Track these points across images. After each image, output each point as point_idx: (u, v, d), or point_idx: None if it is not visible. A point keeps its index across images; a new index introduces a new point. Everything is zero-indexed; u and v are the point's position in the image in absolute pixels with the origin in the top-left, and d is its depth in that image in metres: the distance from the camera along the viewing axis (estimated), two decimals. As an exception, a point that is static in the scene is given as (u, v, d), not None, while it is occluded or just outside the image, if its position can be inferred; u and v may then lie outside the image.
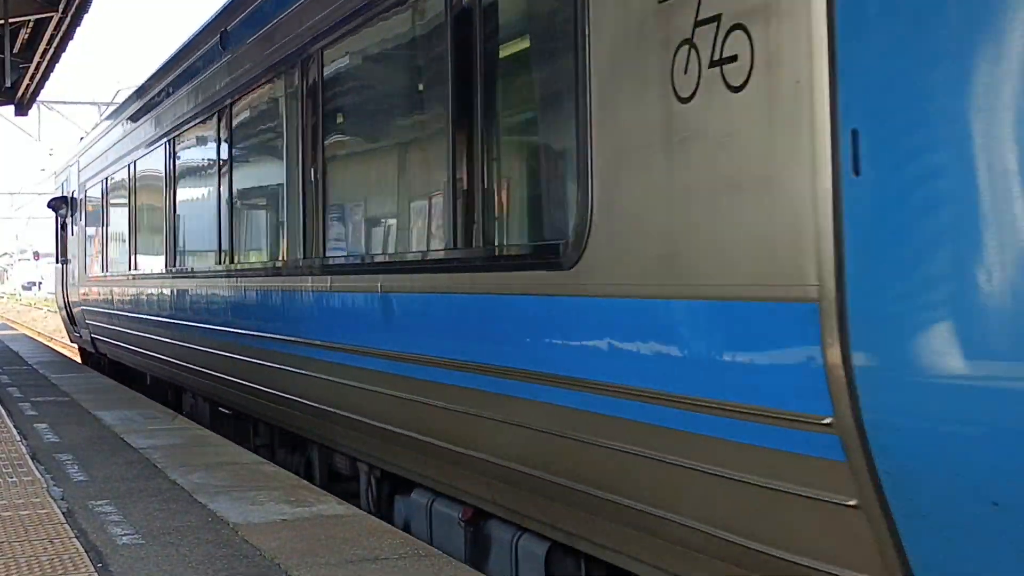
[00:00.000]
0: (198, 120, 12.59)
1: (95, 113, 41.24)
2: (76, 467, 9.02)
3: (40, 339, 34.07)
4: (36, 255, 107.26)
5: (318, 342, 8.46)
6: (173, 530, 6.79)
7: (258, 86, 10.46)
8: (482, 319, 6.11)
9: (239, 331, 10.65)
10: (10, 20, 14.21)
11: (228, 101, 11.25)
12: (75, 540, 6.48)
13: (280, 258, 9.89)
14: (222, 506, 7.47)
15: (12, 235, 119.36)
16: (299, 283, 9.05)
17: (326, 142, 8.73)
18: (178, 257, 13.82)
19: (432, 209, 7.15)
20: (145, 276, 15.55)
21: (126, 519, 7.09)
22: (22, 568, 5.88)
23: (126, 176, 16.98)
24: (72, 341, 25.43)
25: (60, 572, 5.82)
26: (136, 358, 16.82)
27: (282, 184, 9.93)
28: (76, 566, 5.93)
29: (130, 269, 16.66)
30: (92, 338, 20.85)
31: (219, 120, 11.63)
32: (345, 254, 8.53)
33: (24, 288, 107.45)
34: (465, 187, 6.41)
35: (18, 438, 10.42)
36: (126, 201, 17.08)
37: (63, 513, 7.21)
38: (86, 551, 6.23)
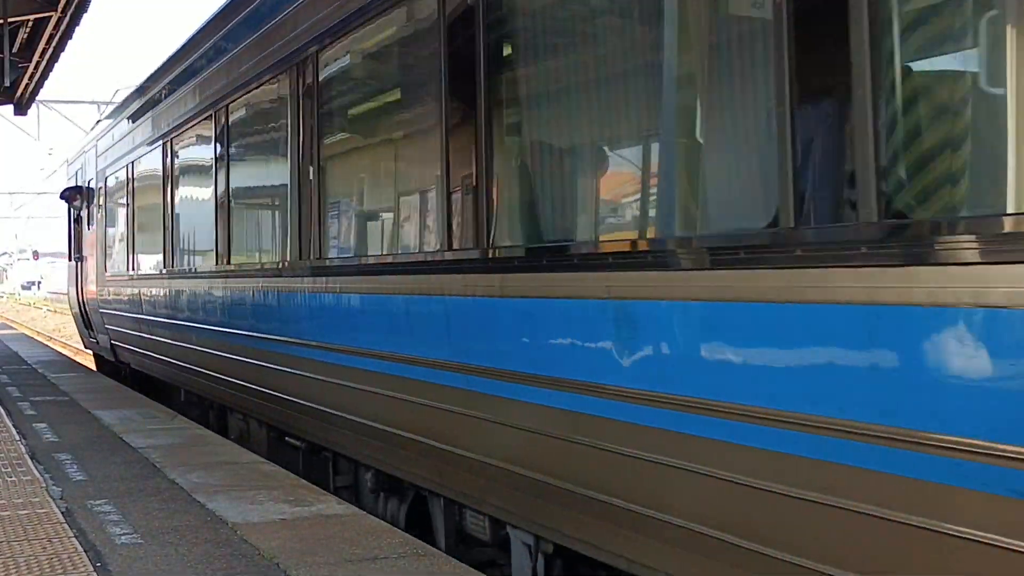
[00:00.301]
0: (265, 79, 9.76)
1: (95, 112, 41.29)
2: (75, 467, 9.02)
3: (39, 339, 34.07)
4: (35, 254, 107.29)
5: (483, 369, 5.99)
6: (172, 529, 6.79)
7: (369, 20, 7.55)
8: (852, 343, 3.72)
9: (327, 346, 8.27)
10: (9, 19, 14.20)
11: (315, 48, 8.45)
12: (74, 539, 6.48)
13: (411, 251, 7.22)
14: (221, 505, 7.47)
15: (11, 234, 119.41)
16: (443, 285, 6.40)
17: (517, 77, 6.01)
18: (236, 253, 11.11)
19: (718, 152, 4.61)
20: (186, 275, 12.92)
21: (125, 519, 7.09)
22: (21, 568, 5.88)
23: (159, 159, 14.25)
24: (87, 347, 22.72)
25: (59, 571, 5.82)
26: (169, 371, 14.16)
27: (411, 147, 7.54)
28: (75, 565, 5.93)
29: (165, 267, 13.92)
30: (112, 345, 18.15)
31: (298, 75, 8.84)
32: (535, 244, 5.78)
33: (23, 288, 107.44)
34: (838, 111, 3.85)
35: (17, 437, 10.42)
36: (159, 188, 14.31)
37: (62, 512, 7.21)
38: (85, 551, 6.23)
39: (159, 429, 11.24)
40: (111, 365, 19.26)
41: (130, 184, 16.39)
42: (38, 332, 39.86)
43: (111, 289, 17.81)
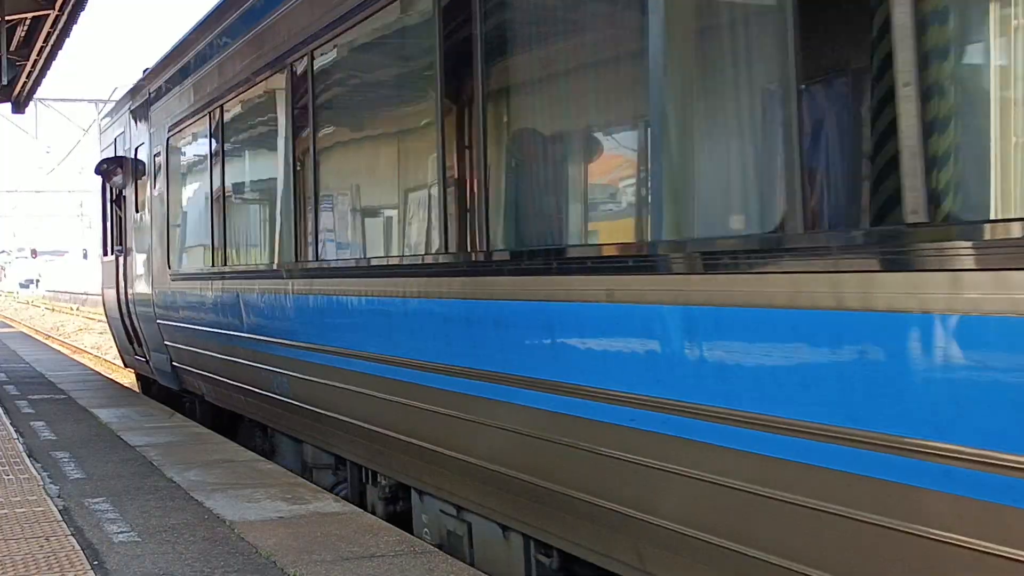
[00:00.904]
0: None
1: (92, 111, 41.39)
2: (72, 465, 9.01)
3: (38, 337, 34.07)
4: (34, 252, 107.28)
5: None
6: (169, 528, 6.79)
7: None
8: None
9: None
10: (7, 17, 14.20)
11: None
12: (71, 538, 6.47)
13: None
14: (218, 504, 7.47)
15: (10, 233, 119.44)
16: None
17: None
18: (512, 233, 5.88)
19: None
20: (353, 273, 7.63)
21: (122, 517, 7.09)
22: (18, 566, 5.87)
23: (282, 92, 8.80)
24: (128, 365, 17.40)
25: (56, 570, 5.82)
26: (295, 419, 9.12)
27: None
28: (72, 564, 5.92)
29: (302, 260, 8.44)
30: (175, 367, 12.96)
31: None
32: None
33: (21, 286, 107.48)
34: None
35: (15, 436, 10.41)
36: (281, 138, 8.93)
37: (59, 511, 7.20)
38: (82, 549, 6.23)
39: (157, 427, 11.24)
40: (169, 394, 14.12)
41: (218, 139, 10.79)
42: (36, 330, 39.85)
43: (180, 292, 12.34)
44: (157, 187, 13.56)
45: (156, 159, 13.59)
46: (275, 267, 9.20)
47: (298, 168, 8.69)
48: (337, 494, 8.33)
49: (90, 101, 41.87)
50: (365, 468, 8.24)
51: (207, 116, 11.10)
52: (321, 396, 8.31)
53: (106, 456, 9.43)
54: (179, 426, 11.44)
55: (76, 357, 24.96)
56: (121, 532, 6.68)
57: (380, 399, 7.25)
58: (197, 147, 11.86)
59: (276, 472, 8.74)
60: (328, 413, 8.27)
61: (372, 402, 7.39)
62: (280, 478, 8.45)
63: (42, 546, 6.28)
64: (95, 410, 12.59)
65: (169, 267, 12.81)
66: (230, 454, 9.61)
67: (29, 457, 9.25)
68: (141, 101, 14.41)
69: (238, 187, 10.68)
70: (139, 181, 14.60)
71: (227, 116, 10.60)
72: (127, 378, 21.76)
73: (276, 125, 9.26)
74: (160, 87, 13.35)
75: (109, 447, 9.93)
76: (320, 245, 8.30)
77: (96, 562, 5.99)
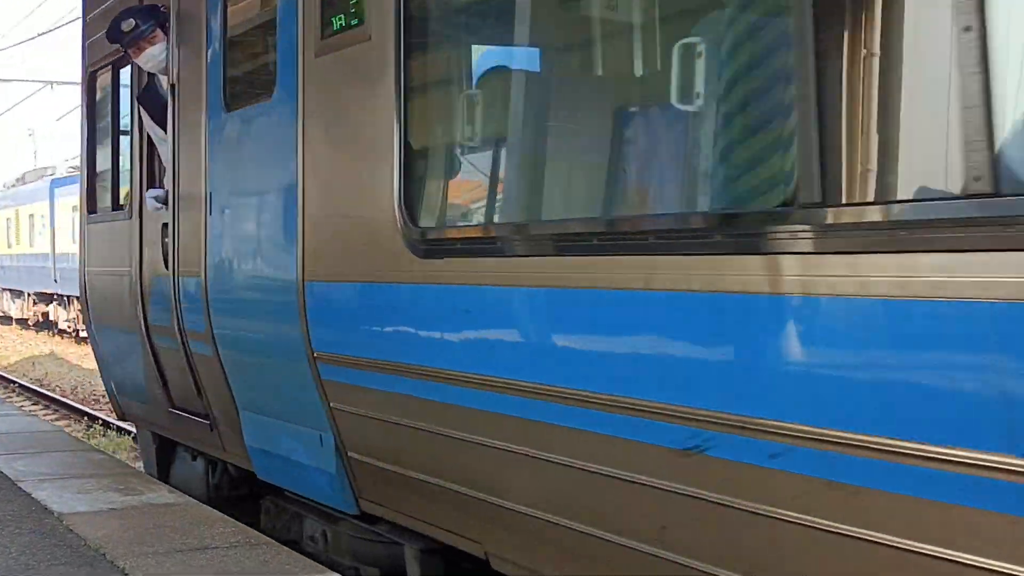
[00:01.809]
0: None
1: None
2: None
3: None
4: None
5: None
6: (-7, 520, 6.57)
7: None
8: None
9: None
10: None
11: None
12: None
13: None
14: (47, 495, 7.25)
15: None
16: None
17: None
18: None
19: None
20: None
21: (-57, 508, 6.84)
22: None
23: None
24: (130, 418, 9.26)
25: None
26: None
27: None
28: None
29: None
30: (353, 463, 5.63)
31: None
32: None
33: None
34: None
35: None
36: None
37: None
38: (-102, 542, 5.99)
39: (-16, 416, 10.88)
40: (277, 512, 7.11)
41: None
42: None
43: (483, 288, 4.48)
44: (347, 50, 5.37)
45: None
46: None
47: None
48: None
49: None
50: None
51: None
52: None
53: (-72, 446, 9.09)
54: (6, 415, 11.10)
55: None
56: (-59, 524, 6.45)
57: None
58: None
59: (109, 463, 8.53)
60: None
61: None
62: (112, 468, 8.25)
63: None
64: (-82, 398, 12.13)
65: (411, 222, 4.91)
66: (62, 444, 9.34)
67: None
68: None
69: None
70: (233, 43, 6.62)
71: None
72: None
73: None
74: None
75: (-69, 436, 9.57)
76: None
77: (-87, 556, 5.77)
